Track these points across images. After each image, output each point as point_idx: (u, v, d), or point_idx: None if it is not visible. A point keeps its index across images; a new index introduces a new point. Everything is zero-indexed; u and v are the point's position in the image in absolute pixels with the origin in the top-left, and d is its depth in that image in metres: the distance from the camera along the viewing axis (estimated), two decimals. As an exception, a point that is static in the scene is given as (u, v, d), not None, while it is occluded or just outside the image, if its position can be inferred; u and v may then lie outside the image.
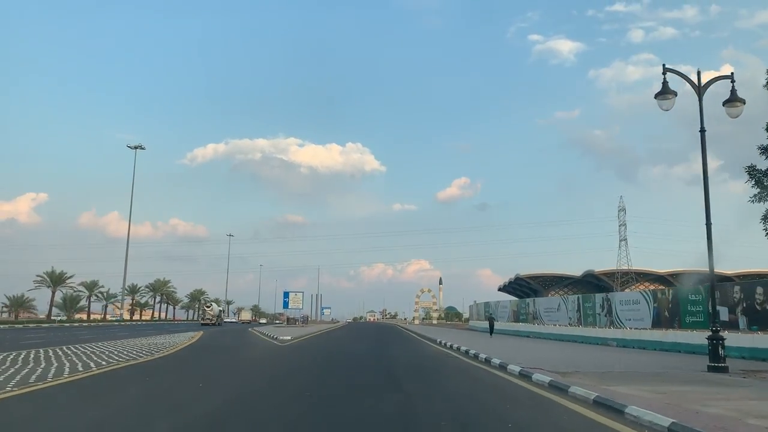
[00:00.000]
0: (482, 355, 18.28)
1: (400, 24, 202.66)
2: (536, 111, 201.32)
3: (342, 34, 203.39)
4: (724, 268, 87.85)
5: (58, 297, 72.05)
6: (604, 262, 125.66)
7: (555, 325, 36.85)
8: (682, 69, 14.99)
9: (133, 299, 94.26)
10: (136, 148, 71.61)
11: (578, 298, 33.48)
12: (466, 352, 21.17)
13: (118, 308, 78.17)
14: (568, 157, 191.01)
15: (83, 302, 78.01)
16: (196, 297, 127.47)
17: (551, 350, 23.39)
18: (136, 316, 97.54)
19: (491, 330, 36.36)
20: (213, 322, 70.63)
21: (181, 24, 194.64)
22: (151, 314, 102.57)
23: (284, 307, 74.33)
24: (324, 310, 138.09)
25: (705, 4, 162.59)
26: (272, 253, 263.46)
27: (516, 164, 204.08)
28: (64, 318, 71.07)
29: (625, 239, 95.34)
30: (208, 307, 78.98)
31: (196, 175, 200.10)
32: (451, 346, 25.45)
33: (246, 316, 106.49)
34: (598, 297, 29.96)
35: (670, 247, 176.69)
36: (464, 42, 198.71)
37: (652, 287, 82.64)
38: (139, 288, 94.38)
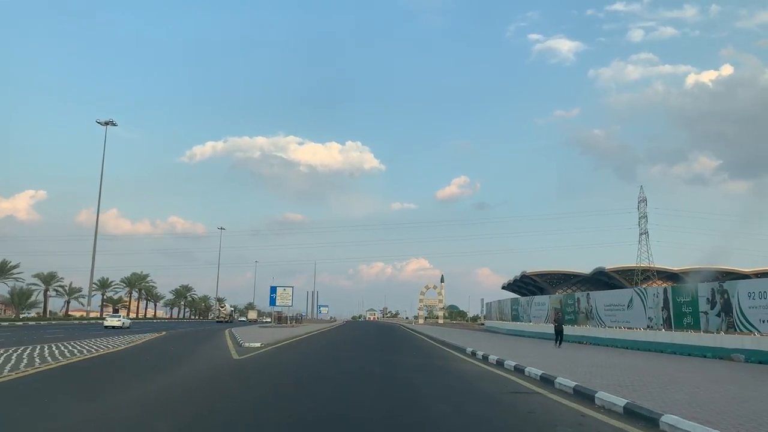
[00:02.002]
0: (621, 403, 8.77)
1: (399, 23, 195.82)
2: (535, 110, 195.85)
3: (342, 32, 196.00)
4: (740, 265, 79.36)
5: (5, 291, 62.27)
6: (607, 261, 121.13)
7: (622, 327, 27.35)
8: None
9: (103, 294, 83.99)
10: (106, 123, 66.70)
11: (665, 290, 23.94)
12: (550, 380, 11.55)
13: (81, 304, 68.32)
14: (567, 156, 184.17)
15: (38, 297, 67.82)
16: (182, 293, 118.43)
17: (686, 372, 13.82)
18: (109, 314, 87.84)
19: (560, 338, 25.43)
20: (226, 319, 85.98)
21: (180, 22, 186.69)
22: (127, 312, 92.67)
23: (271, 304, 64.84)
24: (321, 308, 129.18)
25: (705, 3, 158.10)
26: (270, 252, 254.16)
27: (515, 163, 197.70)
28: (11, 316, 61.57)
29: (646, 232, 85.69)
30: (222, 306, 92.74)
31: (195, 173, 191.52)
32: (500, 363, 16.07)
33: (253, 315, 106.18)
34: (703, 288, 20.50)
35: (676, 246, 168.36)
36: (464, 41, 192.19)
37: (665, 286, 73.58)
38: (112, 282, 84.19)
